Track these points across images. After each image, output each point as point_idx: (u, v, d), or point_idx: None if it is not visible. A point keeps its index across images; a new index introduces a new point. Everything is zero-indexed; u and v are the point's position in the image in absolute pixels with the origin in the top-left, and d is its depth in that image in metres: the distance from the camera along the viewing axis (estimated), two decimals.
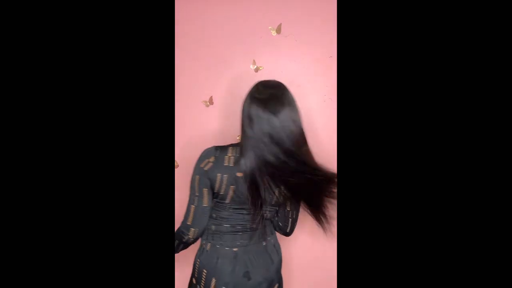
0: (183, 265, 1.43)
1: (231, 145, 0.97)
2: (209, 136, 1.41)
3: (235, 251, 0.99)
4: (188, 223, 0.97)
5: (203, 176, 0.95)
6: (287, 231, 1.09)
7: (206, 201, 0.96)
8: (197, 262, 1.02)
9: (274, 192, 0.94)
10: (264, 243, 1.03)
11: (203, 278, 0.99)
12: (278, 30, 1.35)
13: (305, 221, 1.44)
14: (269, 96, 0.91)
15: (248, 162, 0.90)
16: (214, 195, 0.97)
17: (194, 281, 1.03)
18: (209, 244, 1.01)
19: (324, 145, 1.38)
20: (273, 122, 0.88)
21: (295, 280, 1.50)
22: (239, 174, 0.92)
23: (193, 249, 1.37)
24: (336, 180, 0.91)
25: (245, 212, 0.97)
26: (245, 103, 0.94)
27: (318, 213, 0.95)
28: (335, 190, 0.92)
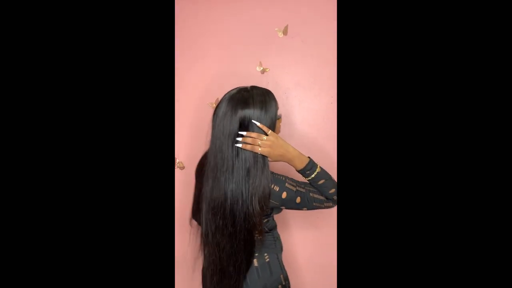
0: (183, 266, 1.43)
1: None
2: None
3: None
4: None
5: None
6: (324, 206, 0.95)
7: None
8: None
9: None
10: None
11: None
12: (285, 32, 1.34)
13: (305, 229, 1.43)
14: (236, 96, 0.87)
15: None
16: None
17: None
18: None
19: (330, 146, 1.36)
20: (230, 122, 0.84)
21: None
22: None
23: (192, 251, 1.36)
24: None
25: None
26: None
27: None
28: None
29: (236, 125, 0.84)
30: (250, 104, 0.84)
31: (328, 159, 1.37)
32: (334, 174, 1.34)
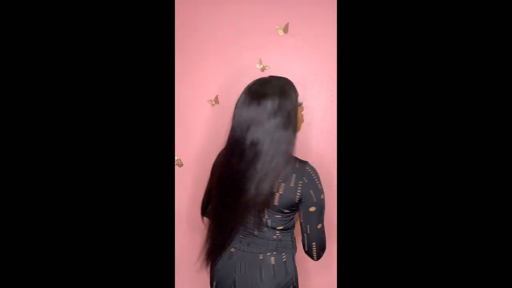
0: (183, 266, 1.43)
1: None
2: (214, 135, 1.40)
3: (232, 252, 0.94)
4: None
5: None
6: (305, 250, 0.92)
7: None
8: None
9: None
10: (260, 257, 0.90)
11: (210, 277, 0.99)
12: (285, 30, 1.33)
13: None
14: (255, 87, 0.89)
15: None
16: None
17: None
18: None
19: (329, 145, 1.36)
20: (250, 111, 0.85)
21: None
22: None
23: (192, 249, 1.35)
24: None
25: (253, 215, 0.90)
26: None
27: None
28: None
29: (252, 114, 0.85)
30: (268, 93, 0.86)
31: (327, 158, 1.37)
32: (333, 173, 1.35)
